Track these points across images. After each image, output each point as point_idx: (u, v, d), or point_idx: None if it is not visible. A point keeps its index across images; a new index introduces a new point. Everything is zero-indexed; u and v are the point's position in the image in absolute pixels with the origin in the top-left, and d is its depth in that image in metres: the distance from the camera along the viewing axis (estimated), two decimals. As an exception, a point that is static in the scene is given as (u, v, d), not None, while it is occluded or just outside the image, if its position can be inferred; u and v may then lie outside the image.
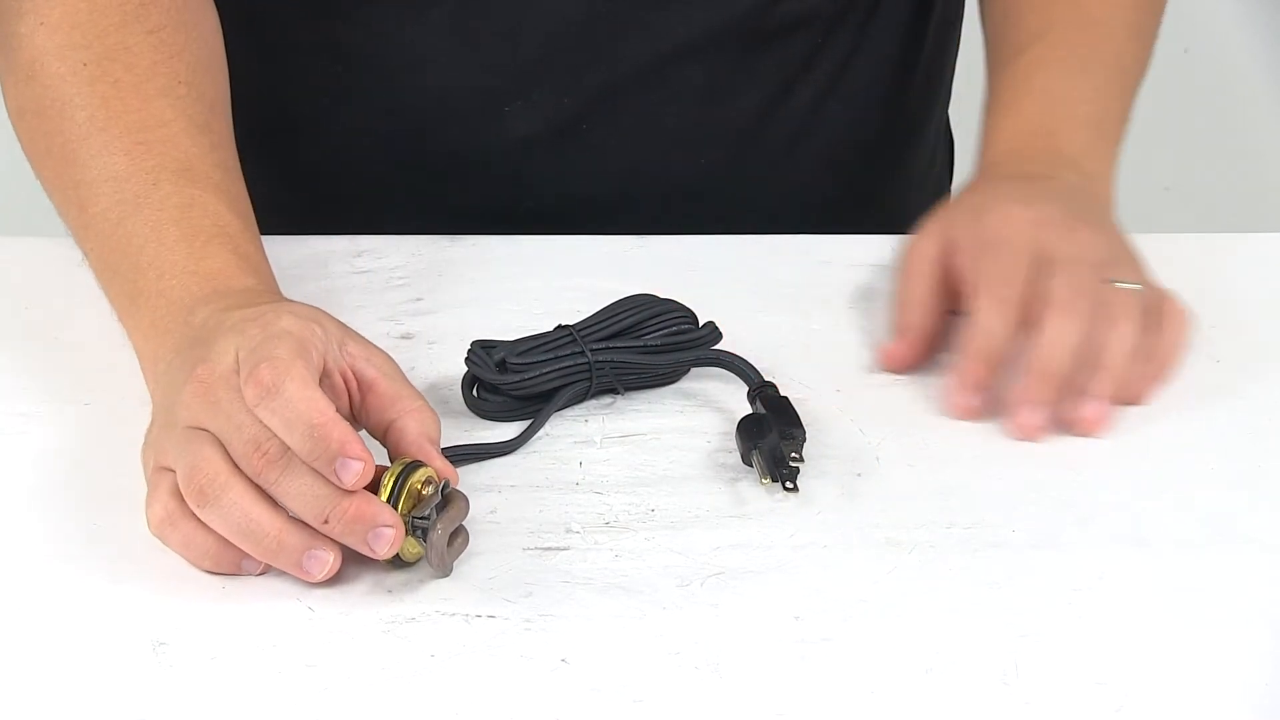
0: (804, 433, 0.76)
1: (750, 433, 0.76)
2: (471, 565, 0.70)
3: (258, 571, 0.70)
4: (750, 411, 0.78)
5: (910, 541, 0.72)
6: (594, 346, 0.79)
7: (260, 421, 0.69)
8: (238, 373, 0.70)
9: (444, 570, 0.69)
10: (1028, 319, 0.79)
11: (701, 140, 0.99)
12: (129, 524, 0.72)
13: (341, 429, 0.69)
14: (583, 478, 0.76)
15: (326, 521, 0.69)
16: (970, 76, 1.16)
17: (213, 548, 0.70)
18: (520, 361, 0.78)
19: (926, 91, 1.08)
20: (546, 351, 0.79)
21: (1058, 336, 0.78)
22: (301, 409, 0.69)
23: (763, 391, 0.79)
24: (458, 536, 0.70)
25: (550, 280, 0.89)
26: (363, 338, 0.75)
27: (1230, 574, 0.70)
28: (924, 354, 0.83)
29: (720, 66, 0.97)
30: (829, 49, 0.99)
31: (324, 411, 0.69)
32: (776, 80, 0.99)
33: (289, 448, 0.69)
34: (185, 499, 0.70)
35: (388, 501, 0.69)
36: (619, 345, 0.80)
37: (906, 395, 0.81)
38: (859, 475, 0.76)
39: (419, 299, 0.88)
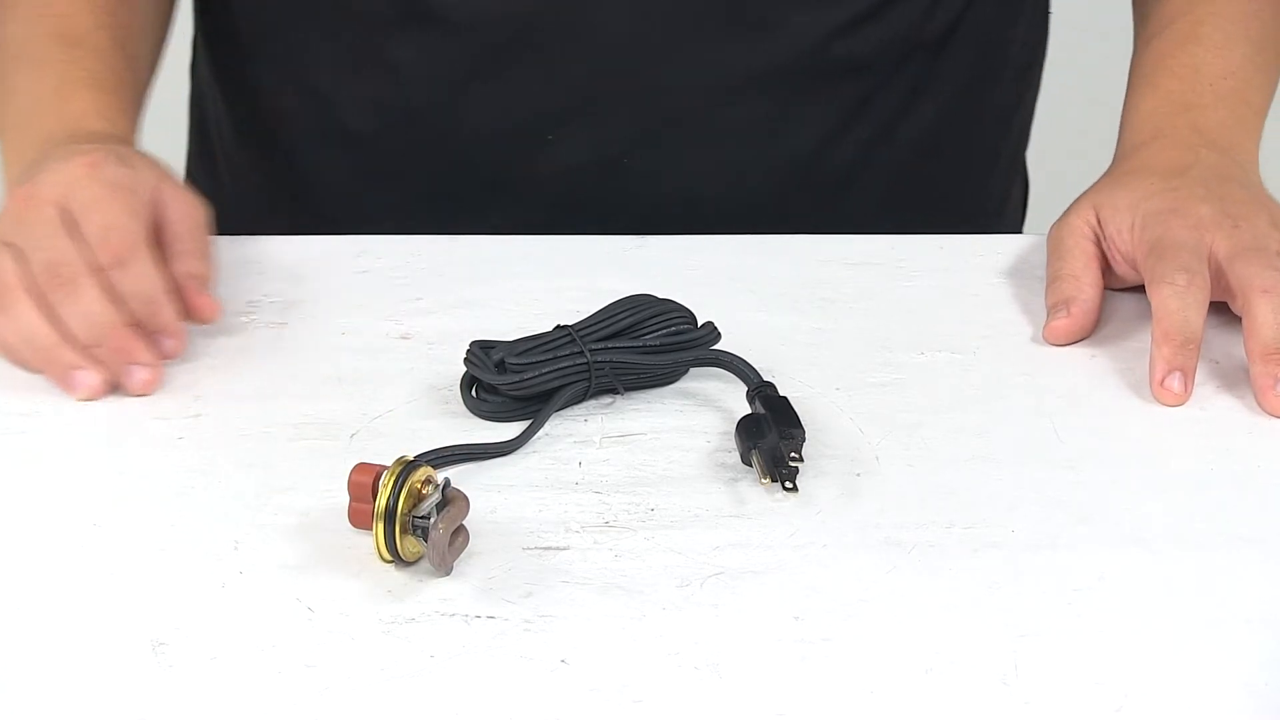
0: (803, 433, 0.76)
1: (750, 432, 0.76)
2: (471, 565, 0.70)
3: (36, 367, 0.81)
4: (750, 411, 0.78)
5: (910, 541, 0.72)
6: (593, 347, 0.79)
7: (61, 248, 0.80)
8: (55, 202, 0.81)
9: (444, 570, 0.69)
10: (1229, 302, 0.84)
11: (750, 176, 0.99)
12: (129, 524, 0.72)
13: (170, 310, 0.81)
14: (582, 478, 0.76)
15: (96, 346, 0.80)
16: (1051, 119, 1.17)
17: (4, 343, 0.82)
18: (519, 362, 0.78)
19: (995, 136, 1.08)
20: (545, 352, 0.79)
21: (1270, 316, 0.81)
22: (145, 285, 0.81)
23: (762, 391, 0.79)
24: (458, 536, 0.70)
25: (549, 280, 0.89)
26: (177, 185, 0.86)
27: (1230, 574, 0.70)
28: (1089, 327, 0.86)
29: (771, 106, 0.97)
30: (887, 91, 1.00)
31: (160, 289, 0.81)
32: (830, 121, 0.99)
33: (79, 275, 0.80)
34: None
35: (388, 501, 0.69)
36: (618, 345, 0.80)
37: (906, 395, 0.81)
38: (859, 475, 0.76)
39: (419, 299, 0.88)
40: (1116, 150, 0.93)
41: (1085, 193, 0.90)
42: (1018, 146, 1.11)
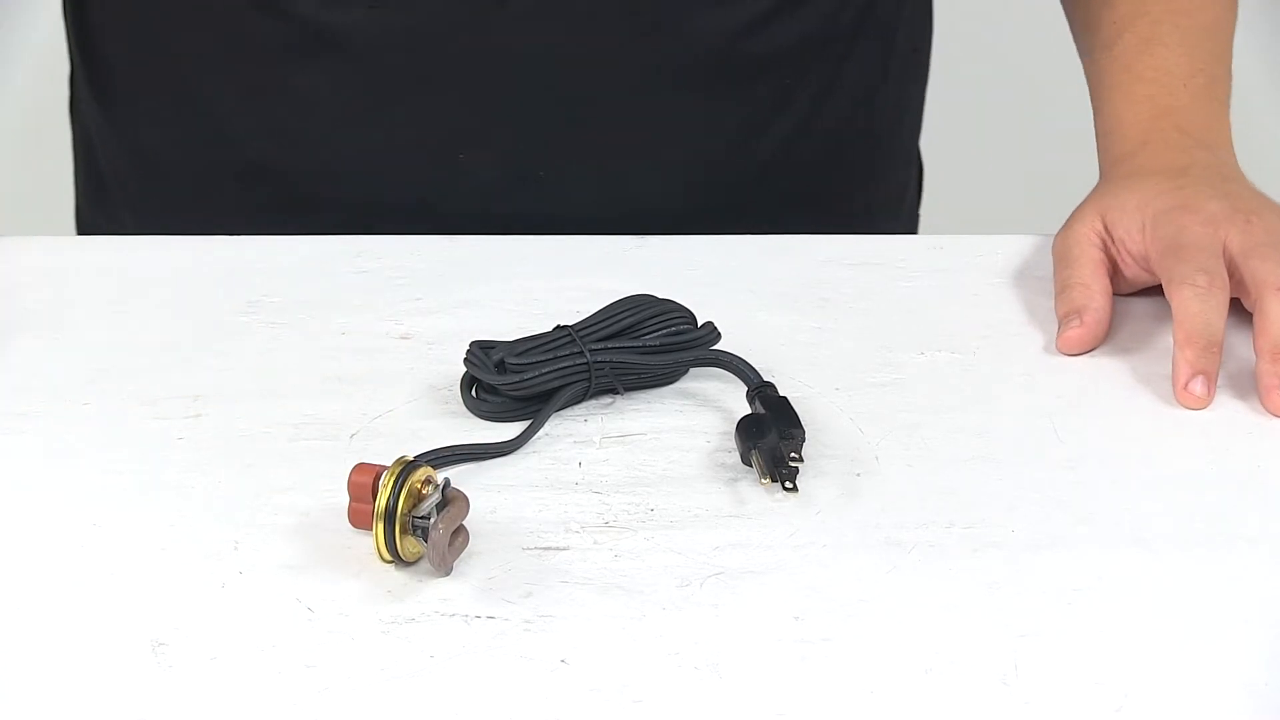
0: (803, 433, 0.76)
1: (749, 433, 0.76)
2: (471, 565, 0.70)
3: None
4: (749, 411, 0.78)
5: (910, 541, 0.72)
6: (593, 347, 0.79)
7: None
8: None
9: (444, 570, 0.69)
10: (1241, 298, 0.83)
11: (667, 180, 0.99)
12: (129, 524, 0.72)
13: None
14: (582, 478, 0.76)
15: None
16: (942, 106, 1.17)
17: None
18: (519, 362, 0.78)
19: (893, 124, 1.08)
20: (545, 352, 0.79)
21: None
22: None
23: (762, 391, 0.79)
24: (458, 536, 0.70)
25: (549, 280, 0.89)
26: None
27: (1230, 574, 0.70)
28: (1102, 336, 0.85)
29: (683, 108, 0.97)
30: (803, 87, 1.00)
31: None
32: (745, 121, 0.99)
33: None
34: None
35: (388, 501, 0.69)
36: (618, 345, 0.80)
37: (906, 395, 0.81)
38: (859, 475, 0.76)
39: (419, 299, 0.88)
40: (1103, 161, 0.93)
41: (1087, 200, 0.90)
42: (911, 132, 1.12)
